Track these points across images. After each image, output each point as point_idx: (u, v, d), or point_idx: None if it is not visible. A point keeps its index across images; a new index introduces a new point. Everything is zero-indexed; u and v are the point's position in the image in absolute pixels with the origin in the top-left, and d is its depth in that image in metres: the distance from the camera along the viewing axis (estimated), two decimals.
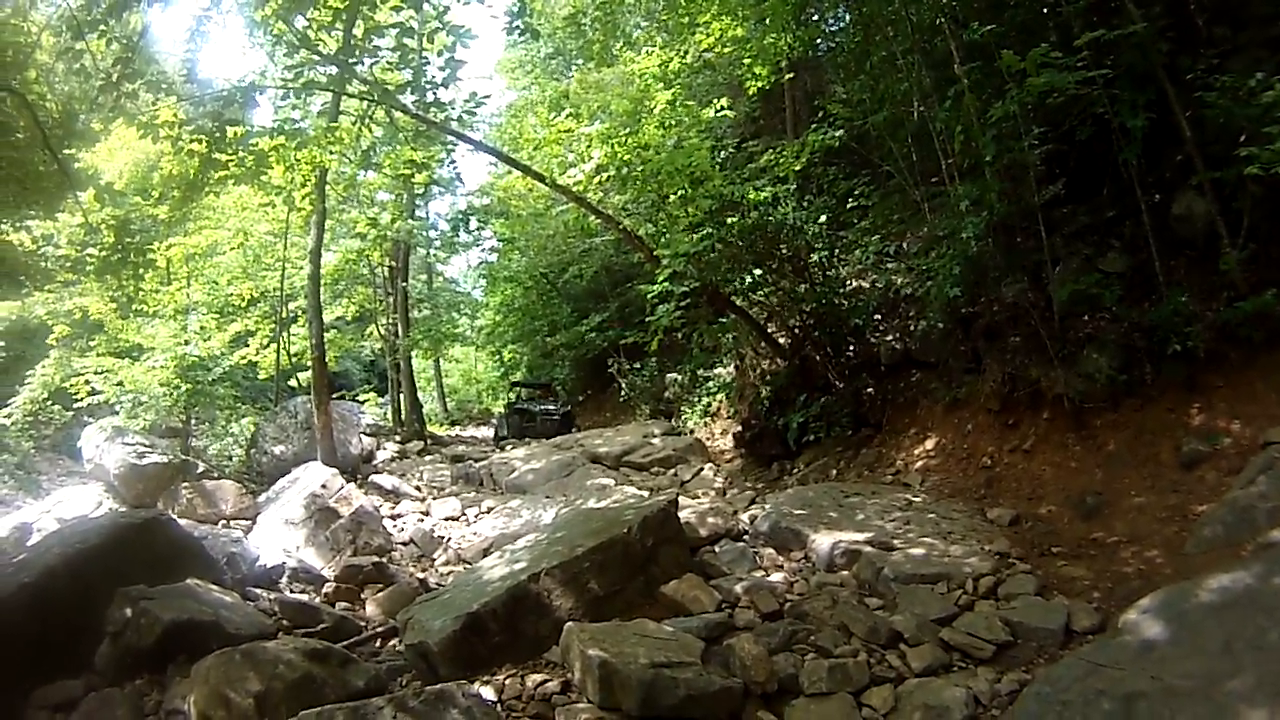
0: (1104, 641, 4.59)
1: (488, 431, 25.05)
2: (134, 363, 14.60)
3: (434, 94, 10.71)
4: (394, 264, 23.88)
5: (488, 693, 5.16)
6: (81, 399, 14.66)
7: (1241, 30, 7.82)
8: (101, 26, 9.36)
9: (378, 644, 7.05)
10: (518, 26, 11.01)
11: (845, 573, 6.82)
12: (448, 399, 36.60)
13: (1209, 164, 7.29)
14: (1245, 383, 6.92)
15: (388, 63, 10.64)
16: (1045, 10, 8.87)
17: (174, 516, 9.37)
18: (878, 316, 11.31)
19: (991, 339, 9.11)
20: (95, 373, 14.34)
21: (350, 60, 10.28)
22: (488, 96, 11.39)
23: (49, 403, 15.80)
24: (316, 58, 10.30)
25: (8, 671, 5.84)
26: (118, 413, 14.45)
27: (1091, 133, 8.04)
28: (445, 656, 5.62)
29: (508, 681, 5.34)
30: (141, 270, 12.29)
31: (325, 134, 11.15)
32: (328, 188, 15.18)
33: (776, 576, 7.08)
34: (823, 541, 7.25)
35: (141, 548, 7.28)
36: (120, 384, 14.18)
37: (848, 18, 13.39)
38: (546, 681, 5.25)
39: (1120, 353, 7.68)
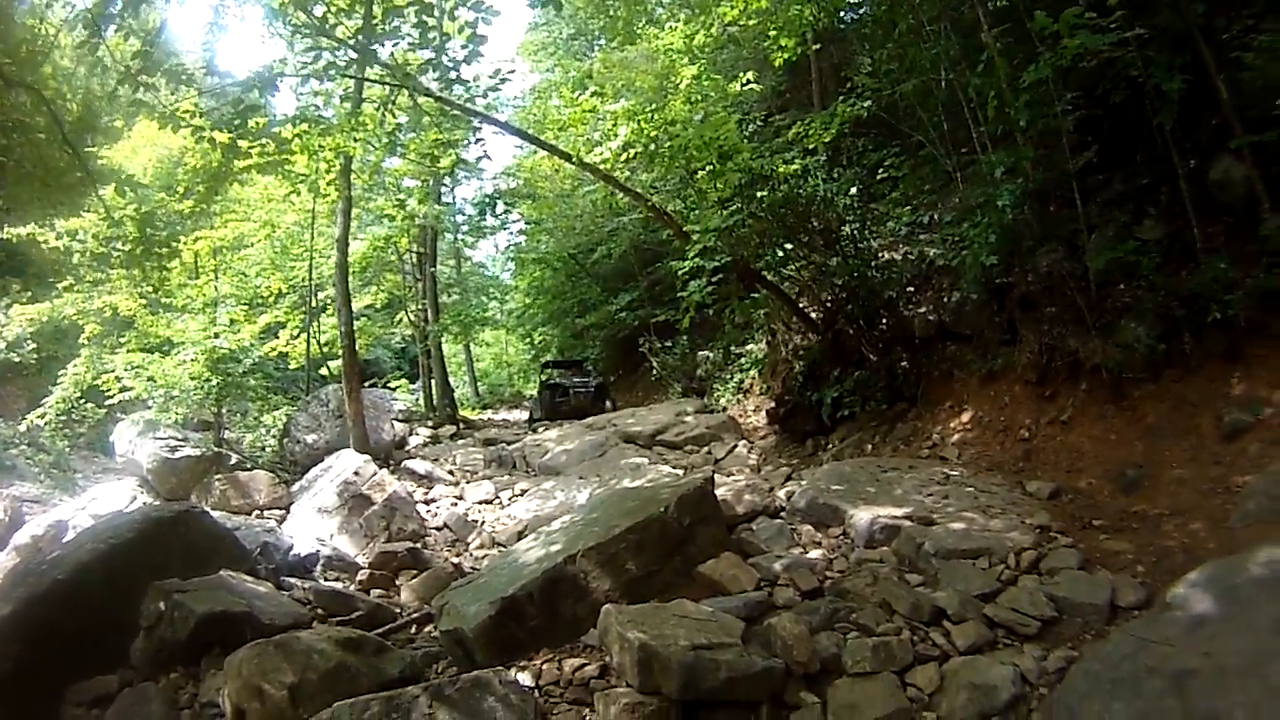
0: (1153, 616, 4.52)
1: (520, 414, 25.15)
2: (164, 357, 14.72)
3: (456, 73, 10.67)
4: (422, 250, 24.03)
5: (525, 678, 5.18)
6: (114, 395, 14.80)
7: None
8: (118, 22, 9.38)
9: (413, 630, 7.08)
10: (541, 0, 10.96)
11: (885, 549, 6.76)
12: (479, 383, 36.83)
13: (1247, 127, 7.08)
14: None
15: (409, 44, 10.59)
16: None
17: (207, 509, 9.45)
18: (911, 289, 11.17)
19: (1027, 309, 8.98)
20: (126, 369, 14.46)
21: (369, 44, 10.25)
22: (512, 72, 11.32)
23: (82, 401, 16.01)
24: (335, 43, 10.28)
25: (44, 668, 5.92)
26: (150, 408, 14.59)
27: (1125, 96, 7.85)
28: (481, 642, 5.61)
29: (545, 666, 5.36)
30: (166, 262, 12.39)
31: (348, 120, 11.14)
32: (353, 175, 15.20)
33: (815, 554, 7.03)
34: (861, 517, 7.20)
35: (175, 541, 7.35)
36: (151, 379, 14.30)
37: None
38: (585, 665, 5.26)
39: (1159, 322, 7.51)
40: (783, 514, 8.12)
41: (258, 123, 10.21)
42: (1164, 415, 7.31)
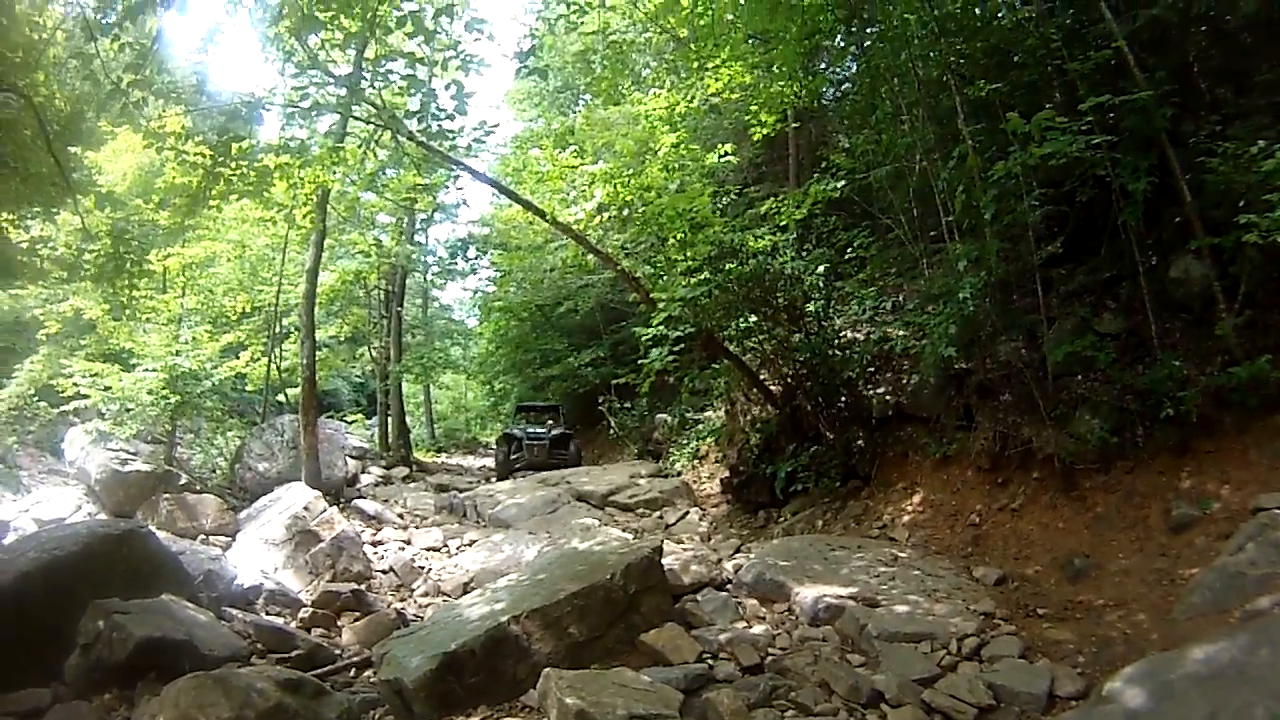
0: (1088, 709, 4.53)
1: (474, 461, 24.96)
2: (123, 368, 14.53)
3: (439, 125, 10.76)
4: (390, 288, 24.02)
5: None
6: (69, 398, 14.58)
7: (1244, 95, 7.94)
8: (116, 30, 9.35)
9: (352, 674, 7.01)
10: (526, 67, 11.15)
11: (828, 627, 6.73)
12: (436, 425, 36.54)
13: (1208, 229, 7.32)
14: (1237, 448, 6.90)
15: (398, 88, 10.68)
16: (1050, 69, 8.91)
17: (153, 529, 9.29)
18: (871, 369, 11.24)
19: (984, 396, 9.08)
20: (84, 376, 14.29)
21: (359, 85, 10.31)
22: (496, 126, 11.47)
23: (35, 399, 15.80)
24: (326, 78, 10.34)
25: None
26: (104, 416, 14.39)
27: (1092, 194, 8.05)
28: (421, 695, 5.55)
29: None
30: (136, 279, 12.32)
31: (330, 154, 11.17)
32: (329, 207, 15.19)
33: (759, 628, 6.98)
34: (807, 594, 7.17)
35: (118, 559, 7.27)
36: (108, 389, 14.12)
37: (854, 68, 13.51)
38: None
39: (1112, 415, 7.65)
40: (729, 586, 8.06)
41: (240, 148, 10.22)
42: (1113, 506, 7.39)
